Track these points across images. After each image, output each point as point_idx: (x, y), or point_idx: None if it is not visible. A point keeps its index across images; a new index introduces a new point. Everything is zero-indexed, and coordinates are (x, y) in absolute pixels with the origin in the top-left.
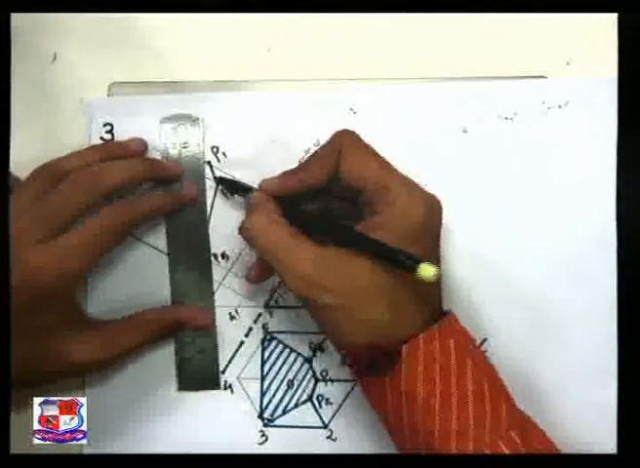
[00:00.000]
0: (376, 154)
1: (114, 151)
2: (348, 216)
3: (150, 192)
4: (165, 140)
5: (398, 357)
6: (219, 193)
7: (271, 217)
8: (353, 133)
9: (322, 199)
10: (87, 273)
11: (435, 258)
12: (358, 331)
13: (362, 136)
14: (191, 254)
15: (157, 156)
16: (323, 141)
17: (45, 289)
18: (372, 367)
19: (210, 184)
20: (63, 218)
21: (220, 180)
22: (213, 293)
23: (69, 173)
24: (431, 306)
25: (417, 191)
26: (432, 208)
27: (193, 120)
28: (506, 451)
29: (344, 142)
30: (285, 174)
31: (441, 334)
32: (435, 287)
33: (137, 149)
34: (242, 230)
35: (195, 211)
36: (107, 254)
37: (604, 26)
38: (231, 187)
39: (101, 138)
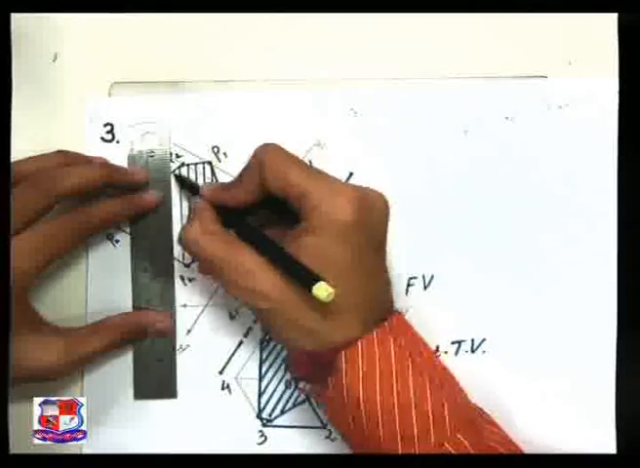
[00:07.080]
0: (297, 162)
1: (76, 159)
2: (289, 225)
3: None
4: (132, 147)
5: (339, 364)
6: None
7: (206, 228)
8: (274, 145)
9: (264, 209)
10: (40, 273)
11: (377, 253)
12: (296, 337)
13: (362, 137)
14: (154, 261)
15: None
16: (323, 141)
17: None
18: (311, 375)
19: (175, 192)
20: (18, 219)
21: (176, 177)
22: (174, 300)
23: (27, 176)
24: (377, 310)
25: (343, 192)
26: (365, 205)
27: (159, 128)
28: (453, 453)
29: (265, 156)
30: (222, 186)
31: (380, 338)
32: (382, 289)
33: (99, 162)
34: (179, 240)
35: (159, 218)
36: (61, 257)
37: (605, 26)
38: (184, 186)
39: (102, 139)
